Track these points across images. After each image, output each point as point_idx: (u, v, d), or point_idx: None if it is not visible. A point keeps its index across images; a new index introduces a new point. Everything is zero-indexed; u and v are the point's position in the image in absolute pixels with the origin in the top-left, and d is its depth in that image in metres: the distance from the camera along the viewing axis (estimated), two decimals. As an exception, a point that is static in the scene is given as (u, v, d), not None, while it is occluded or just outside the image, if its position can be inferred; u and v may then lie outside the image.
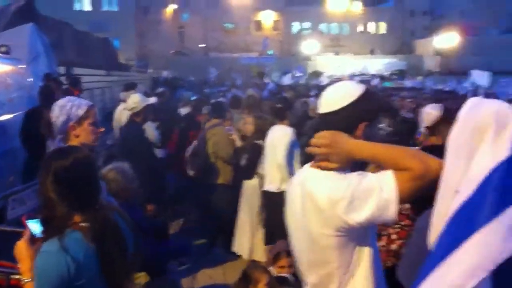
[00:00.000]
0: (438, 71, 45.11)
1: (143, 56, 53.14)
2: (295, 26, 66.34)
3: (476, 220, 1.67)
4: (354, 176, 1.92)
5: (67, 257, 2.04)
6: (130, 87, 8.89)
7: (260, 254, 6.00)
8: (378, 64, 49.03)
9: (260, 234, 6.01)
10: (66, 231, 2.11)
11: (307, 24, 65.91)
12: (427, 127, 4.32)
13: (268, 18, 66.13)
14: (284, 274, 4.02)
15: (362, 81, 34.71)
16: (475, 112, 1.75)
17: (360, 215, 1.87)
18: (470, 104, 1.77)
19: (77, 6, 56.87)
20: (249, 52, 58.14)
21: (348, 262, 2.03)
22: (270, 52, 59.96)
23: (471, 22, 53.22)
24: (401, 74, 41.26)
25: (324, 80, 29.76)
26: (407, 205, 3.65)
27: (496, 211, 1.65)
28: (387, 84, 33.20)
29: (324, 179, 1.99)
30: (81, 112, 3.02)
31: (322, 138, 1.99)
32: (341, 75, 44.07)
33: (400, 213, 3.80)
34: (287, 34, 65.41)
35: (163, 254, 4.42)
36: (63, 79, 9.04)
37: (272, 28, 65.93)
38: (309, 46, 60.60)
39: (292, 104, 5.97)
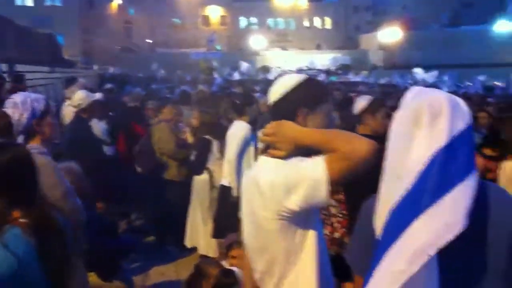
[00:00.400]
0: (382, 65, 46.10)
1: (88, 52, 52.06)
2: (243, 21, 66.45)
3: (417, 206, 1.73)
4: (294, 161, 2.00)
5: (6, 253, 2.01)
6: (70, 82, 8.72)
7: (213, 249, 6.03)
8: (324, 59, 49.67)
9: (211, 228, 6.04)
10: (5, 227, 2.09)
11: (254, 19, 66.14)
12: (357, 116, 4.41)
13: (215, 13, 65.93)
14: (236, 265, 4.06)
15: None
16: (413, 101, 1.83)
17: (295, 199, 1.95)
18: (410, 93, 1.87)
19: (18, 1, 55.19)
20: (197, 48, 57.85)
21: (291, 247, 2.08)
22: (218, 47, 59.83)
23: (413, 17, 54.66)
24: (346, 68, 41.94)
25: (272, 75, 30.04)
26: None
27: (436, 197, 1.73)
28: (333, 78, 33.72)
29: (268, 165, 2.07)
30: (42, 106, 2.96)
31: (269, 127, 2.08)
32: (288, 70, 44.51)
33: (343, 202, 3.94)
34: (235, 29, 65.43)
35: (112, 252, 4.38)
36: (5, 76, 8.77)
37: (220, 23, 65.80)
38: (256, 41, 60.83)
39: (253, 99, 6.04)
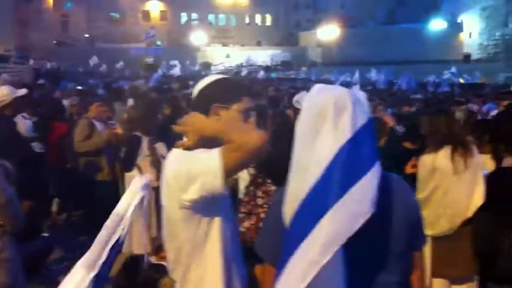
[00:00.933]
0: (321, 62, 46.84)
1: (23, 47, 50.26)
2: (183, 17, 65.91)
3: (327, 198, 1.83)
4: (196, 153, 2.08)
5: None
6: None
7: (145, 245, 5.99)
8: (265, 55, 50.07)
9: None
10: None
11: (195, 15, 65.74)
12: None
13: (155, 8, 65.13)
14: (164, 262, 4.07)
15: (249, 72, 35.29)
16: (317, 97, 1.94)
17: (193, 188, 2.03)
18: (314, 90, 1.97)
19: None
20: (138, 43, 56.99)
21: (196, 236, 2.16)
22: (158, 42, 59.15)
23: (351, 15, 55.81)
24: (286, 65, 42.38)
25: (213, 71, 29.98)
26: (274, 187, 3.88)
27: (343, 189, 1.83)
28: (273, 74, 34.02)
29: (176, 157, 2.15)
30: None
31: (182, 119, 2.20)
32: (229, 66, 44.52)
33: (269, 193, 4.05)
34: (176, 24, 64.82)
35: (30, 255, 4.30)
36: None
37: (160, 18, 65.05)
38: (197, 37, 60.54)
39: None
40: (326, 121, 1.87)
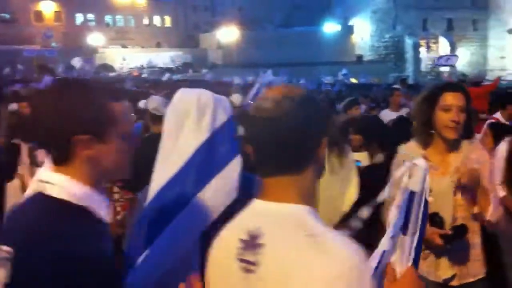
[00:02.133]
0: (221, 63, 47.18)
1: None
2: (79, 18, 63.79)
3: (185, 195, 2.01)
4: None
5: None
6: None
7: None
8: (165, 57, 49.67)
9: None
10: None
11: (91, 16, 63.79)
12: None
13: (48, 8, 62.53)
14: None
15: (150, 74, 34.82)
16: (182, 98, 2.15)
17: None
18: (180, 92, 2.17)
19: None
20: (31, 44, 54.47)
21: None
22: (53, 44, 56.89)
23: (249, 17, 56.67)
24: (187, 66, 42.28)
25: (113, 73, 29.31)
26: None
27: (203, 182, 2.03)
28: (175, 76, 33.84)
29: None
30: None
31: None
32: (129, 68, 43.70)
33: (125, 188, 4.37)
34: (71, 25, 62.60)
35: None
36: None
37: (54, 19, 62.55)
38: (95, 39, 58.90)
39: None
40: (189, 119, 2.06)
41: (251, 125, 1.42)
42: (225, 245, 1.47)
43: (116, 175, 1.64)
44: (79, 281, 1.34)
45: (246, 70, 31.48)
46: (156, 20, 66.47)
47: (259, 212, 1.44)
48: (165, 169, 2.06)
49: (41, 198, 1.44)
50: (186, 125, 2.08)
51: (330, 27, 52.59)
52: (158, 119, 4.54)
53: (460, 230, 2.79)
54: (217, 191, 2.03)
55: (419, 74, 45.09)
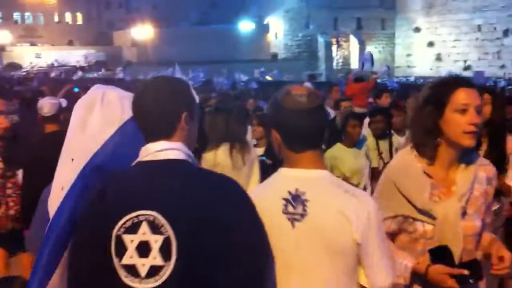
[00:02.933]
0: (136, 61, 46.47)
1: None
2: (-16, 14, 60.65)
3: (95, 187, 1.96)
4: None
5: None
6: None
7: None
8: (78, 55, 48.28)
9: None
10: None
11: (-2, 13, 60.84)
12: None
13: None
14: None
15: (62, 73, 33.75)
16: (89, 93, 2.16)
17: None
18: (92, 89, 2.18)
19: None
20: None
21: None
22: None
23: (164, 15, 56.09)
24: (101, 65, 41.34)
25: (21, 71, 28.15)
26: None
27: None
28: (88, 75, 33.04)
29: None
30: None
31: None
32: (39, 66, 42.11)
33: (17, 184, 4.63)
34: (-25, 22, 59.39)
35: None
36: None
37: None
38: (2, 36, 56.20)
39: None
40: (92, 114, 2.06)
41: (289, 116, 1.96)
42: (270, 204, 1.96)
43: (193, 145, 1.98)
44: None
45: (162, 67, 31.24)
46: (68, 17, 64.33)
47: (294, 177, 1.99)
48: (68, 168, 2.02)
49: (174, 163, 1.81)
50: (90, 120, 2.07)
51: (245, 26, 53.08)
52: (48, 119, 4.65)
53: (475, 267, 2.28)
54: None
55: (331, 71, 46.49)
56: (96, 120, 2.06)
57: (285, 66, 42.61)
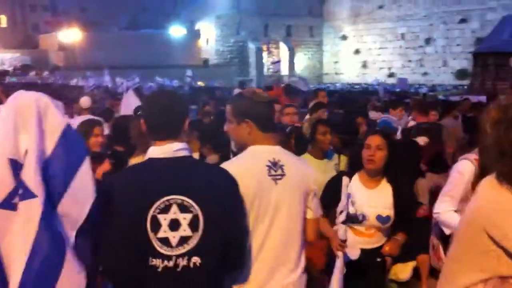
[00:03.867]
0: (64, 65, 45.28)
1: None
2: None
3: (53, 194, 2.11)
4: None
5: None
6: None
7: None
8: (2, 59, 46.47)
9: None
10: None
11: None
12: None
13: None
14: None
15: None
16: (18, 100, 2.17)
17: None
18: (15, 94, 2.20)
19: None
20: None
21: None
22: None
23: (92, 19, 54.95)
24: (26, 69, 40.00)
25: None
26: None
27: (65, 185, 2.14)
28: (13, 79, 31.98)
29: None
30: None
31: None
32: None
33: None
34: None
35: None
36: None
37: None
38: None
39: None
40: (28, 120, 2.09)
41: (260, 106, 2.83)
42: (258, 170, 2.75)
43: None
44: None
45: (90, 72, 30.69)
46: (-10, 19, 61.76)
47: (268, 151, 2.83)
48: (4, 164, 2.06)
49: (187, 159, 2.47)
50: (27, 125, 2.10)
51: (176, 31, 52.83)
52: None
53: None
54: (80, 189, 2.16)
55: (261, 78, 47.10)
56: (34, 130, 2.10)
57: (216, 72, 42.86)
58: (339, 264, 3.41)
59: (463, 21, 45.14)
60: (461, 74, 42.99)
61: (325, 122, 5.46)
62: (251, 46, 50.77)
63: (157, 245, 2.26)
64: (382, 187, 3.96)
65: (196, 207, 2.31)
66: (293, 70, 51.42)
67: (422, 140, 6.58)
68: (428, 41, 47.75)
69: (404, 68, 48.92)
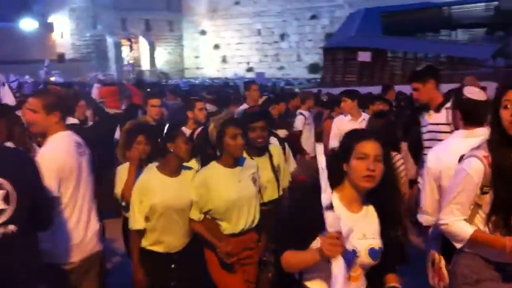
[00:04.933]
0: None
1: None
2: None
3: None
4: None
5: None
6: None
7: None
8: None
9: None
10: None
11: None
12: None
13: None
14: None
15: None
16: None
17: None
18: None
19: None
20: None
21: None
22: None
23: None
24: None
25: None
26: None
27: None
28: None
29: None
30: None
31: None
32: None
33: None
34: None
35: None
36: None
37: None
38: None
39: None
40: None
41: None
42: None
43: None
44: None
45: None
46: None
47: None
48: None
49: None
50: None
51: (27, 24, 50.06)
52: None
53: None
54: None
55: (121, 72, 46.43)
56: None
57: (73, 66, 41.46)
58: (337, 269, 2.40)
59: (314, 17, 48.07)
60: (313, 68, 45.84)
61: (236, 122, 4.24)
62: (109, 40, 49.78)
63: None
64: (367, 210, 2.78)
65: (8, 184, 2.59)
66: (154, 65, 51.27)
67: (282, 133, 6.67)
68: (282, 36, 50.10)
69: (262, 63, 50.92)
